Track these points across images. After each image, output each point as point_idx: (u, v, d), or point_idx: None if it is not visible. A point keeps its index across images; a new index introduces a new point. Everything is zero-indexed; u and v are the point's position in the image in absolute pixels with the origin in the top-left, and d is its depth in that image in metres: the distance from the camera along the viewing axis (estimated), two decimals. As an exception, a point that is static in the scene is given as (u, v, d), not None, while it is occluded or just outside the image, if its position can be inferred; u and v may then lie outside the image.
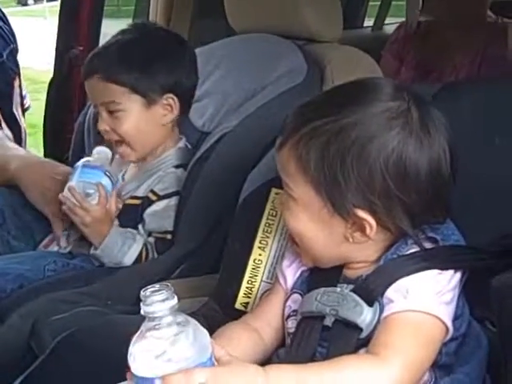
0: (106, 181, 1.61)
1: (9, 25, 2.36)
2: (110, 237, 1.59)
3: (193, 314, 1.34)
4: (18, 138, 2.26)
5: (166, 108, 1.67)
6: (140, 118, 1.65)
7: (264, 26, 1.79)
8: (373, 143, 0.96)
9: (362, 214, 0.98)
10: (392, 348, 0.93)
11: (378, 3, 3.73)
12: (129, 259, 1.60)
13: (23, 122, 2.35)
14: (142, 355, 0.83)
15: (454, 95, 1.26)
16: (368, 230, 0.99)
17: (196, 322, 0.87)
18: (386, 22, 3.72)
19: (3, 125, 2.20)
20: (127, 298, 1.37)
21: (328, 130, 0.97)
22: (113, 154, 1.72)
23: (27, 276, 1.54)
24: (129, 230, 1.64)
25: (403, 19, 3.42)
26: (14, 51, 2.33)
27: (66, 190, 1.59)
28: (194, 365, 0.83)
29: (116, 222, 1.64)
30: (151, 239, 1.64)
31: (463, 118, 1.18)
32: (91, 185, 1.59)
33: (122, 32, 1.71)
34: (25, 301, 1.43)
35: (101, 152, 1.67)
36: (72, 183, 1.59)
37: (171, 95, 1.67)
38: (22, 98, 2.38)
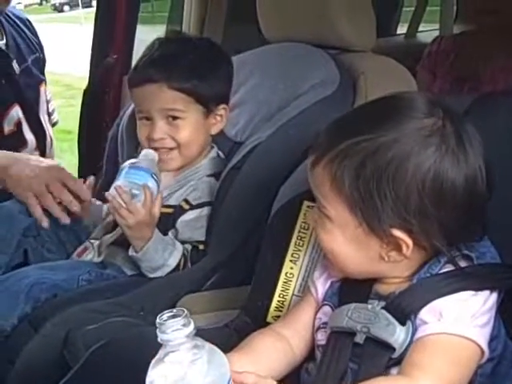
0: (152, 183, 1.59)
1: (37, 37, 2.36)
2: (153, 242, 1.57)
3: (224, 327, 1.36)
4: (43, 145, 2.23)
5: (217, 118, 1.71)
6: (197, 127, 1.67)
7: (296, 35, 1.78)
8: (409, 162, 0.95)
9: (398, 233, 0.97)
10: (424, 369, 0.92)
11: (412, 9, 3.70)
12: (168, 266, 1.60)
13: (50, 130, 2.32)
14: (159, 380, 0.83)
15: (488, 109, 1.24)
16: (404, 250, 0.98)
17: (213, 347, 0.87)
18: (420, 29, 3.68)
19: (26, 129, 2.15)
20: (160, 309, 1.37)
21: (364, 149, 0.96)
22: None
23: (61, 286, 1.55)
24: (169, 236, 1.64)
25: (437, 26, 3.40)
26: (40, 61, 2.33)
27: (112, 188, 1.57)
28: None
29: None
30: (188, 246, 1.64)
31: (498, 132, 1.16)
32: (138, 186, 1.57)
33: (166, 41, 1.73)
34: (58, 310, 1.44)
35: (148, 154, 1.65)
36: (119, 182, 1.58)
37: (224, 105, 1.71)
38: (49, 106, 2.36)
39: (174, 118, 1.65)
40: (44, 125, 2.26)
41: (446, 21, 3.31)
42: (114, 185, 1.58)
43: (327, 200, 1.00)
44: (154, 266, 1.59)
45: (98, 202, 1.84)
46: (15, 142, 2.07)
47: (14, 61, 2.16)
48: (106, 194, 1.59)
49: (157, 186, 1.61)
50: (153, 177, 1.60)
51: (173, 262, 1.59)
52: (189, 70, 1.65)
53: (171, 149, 1.68)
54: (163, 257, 1.59)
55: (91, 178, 1.79)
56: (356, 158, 0.96)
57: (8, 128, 2.10)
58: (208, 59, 1.71)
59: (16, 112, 2.12)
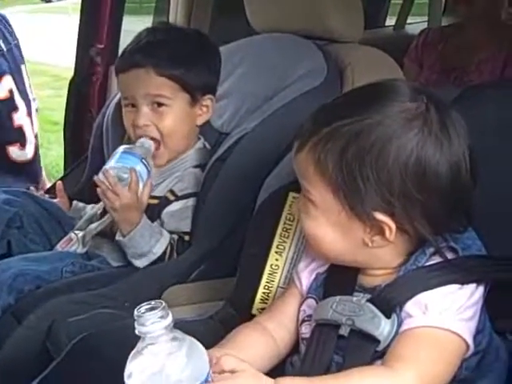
0: (141, 167, 1.59)
1: (12, 29, 2.48)
2: (140, 227, 1.56)
3: (209, 319, 1.35)
4: (31, 114, 2.41)
5: (203, 109, 1.69)
6: (182, 116, 1.66)
7: (284, 26, 1.77)
8: (391, 144, 0.95)
9: (380, 216, 0.96)
10: (407, 361, 0.91)
11: (400, 2, 3.69)
12: (154, 254, 1.58)
13: (33, 101, 2.47)
14: (138, 373, 0.83)
15: (476, 100, 1.23)
16: (387, 233, 0.97)
17: (193, 340, 0.86)
18: (409, 21, 3.67)
19: (18, 97, 2.35)
20: (145, 300, 1.36)
21: (346, 132, 0.96)
22: None
23: (45, 277, 1.54)
24: (156, 224, 1.63)
25: (426, 18, 3.40)
26: (18, 47, 2.45)
27: (100, 173, 1.58)
28: (191, 383, 0.83)
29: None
30: (175, 236, 1.63)
31: (485, 122, 1.16)
32: (125, 169, 1.57)
33: (154, 30, 1.72)
34: (42, 302, 1.43)
35: (144, 143, 1.64)
36: (107, 166, 1.58)
37: (211, 96, 1.70)
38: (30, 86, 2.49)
39: (159, 104, 1.63)
40: (30, 96, 2.42)
41: (435, 13, 3.31)
42: (102, 169, 1.59)
43: (311, 184, 0.99)
44: (140, 252, 1.58)
45: (80, 204, 1.85)
46: (9, 107, 2.32)
47: (1, 40, 2.35)
48: (95, 177, 1.59)
49: (147, 172, 1.60)
50: (142, 162, 1.60)
51: (159, 249, 1.58)
52: (177, 58, 1.64)
53: (155, 140, 1.66)
54: (149, 243, 1.57)
55: (58, 183, 1.87)
56: (339, 141, 0.96)
57: (2, 94, 2.31)
58: (196, 49, 1.70)
59: (8, 81, 2.33)
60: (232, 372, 0.88)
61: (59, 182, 1.93)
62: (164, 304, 0.83)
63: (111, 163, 1.59)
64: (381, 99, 0.98)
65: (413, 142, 0.95)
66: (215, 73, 1.72)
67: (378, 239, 0.99)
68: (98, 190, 1.58)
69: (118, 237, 1.60)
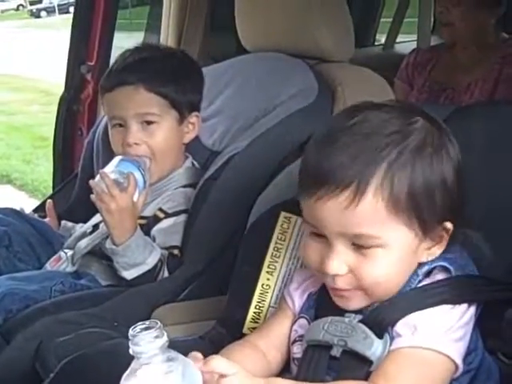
0: (138, 175, 1.58)
1: None
2: (136, 237, 1.55)
3: (199, 339, 1.34)
4: None
5: (189, 126, 1.70)
6: (171, 134, 1.66)
7: (275, 45, 1.78)
8: (444, 146, 0.98)
9: (449, 224, 0.99)
10: (389, 380, 0.91)
11: (390, 20, 3.72)
12: (146, 264, 1.56)
13: None
14: None
15: (467, 119, 1.24)
16: (446, 236, 1.00)
17: (186, 359, 0.85)
18: (398, 40, 3.70)
19: None
20: (134, 320, 1.34)
21: (406, 158, 0.94)
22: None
23: (34, 297, 1.52)
24: (147, 237, 1.61)
25: (415, 36, 3.43)
26: None
27: (97, 176, 1.57)
28: None
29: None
30: (164, 252, 1.61)
31: (474, 142, 1.17)
32: (123, 174, 1.56)
33: (137, 49, 1.72)
34: (30, 322, 1.41)
35: (142, 157, 1.64)
36: (105, 169, 1.58)
37: (197, 113, 1.70)
38: None
39: (149, 122, 1.63)
40: None
41: (423, 32, 3.33)
42: (100, 172, 1.58)
43: (382, 228, 0.94)
44: (132, 263, 1.56)
45: (69, 224, 1.84)
46: None
47: None
48: (90, 181, 1.58)
49: (143, 181, 1.60)
50: (140, 170, 1.60)
51: (151, 261, 1.56)
52: (164, 75, 1.65)
53: (146, 158, 1.65)
54: (143, 254, 1.56)
55: (48, 201, 1.85)
56: (404, 170, 0.94)
57: None
58: (181, 67, 1.71)
59: None
60: (222, 376, 0.87)
61: (49, 200, 1.92)
62: (159, 324, 0.82)
63: (108, 168, 1.59)
64: (387, 119, 0.98)
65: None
66: (199, 91, 1.73)
67: (435, 250, 1.00)
68: (92, 195, 1.56)
69: (109, 245, 1.57)
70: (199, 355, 0.89)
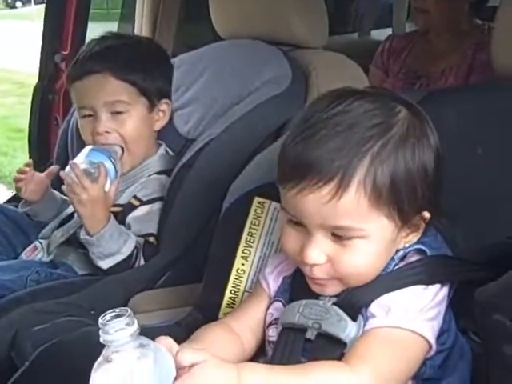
0: (108, 164, 1.58)
1: None
2: (109, 226, 1.54)
3: (175, 325, 1.35)
4: None
5: (159, 114, 1.70)
6: (142, 122, 1.66)
7: (249, 32, 1.78)
8: (424, 138, 0.98)
9: (427, 214, 1.00)
10: (364, 358, 0.92)
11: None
12: (122, 254, 1.56)
13: None
14: (103, 382, 0.81)
15: (438, 103, 1.25)
16: (423, 224, 1.01)
17: (158, 345, 0.84)
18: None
19: None
20: (111, 308, 1.35)
21: (388, 151, 0.94)
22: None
23: (9, 286, 1.52)
24: (122, 228, 1.61)
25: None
26: None
27: (67, 167, 1.56)
28: None
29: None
30: (141, 240, 1.61)
31: (446, 126, 1.18)
32: (93, 164, 1.55)
33: (104, 38, 1.71)
34: (6, 311, 1.41)
35: (112, 146, 1.64)
36: (75, 160, 1.57)
37: (167, 100, 1.70)
38: None
39: (119, 112, 1.63)
40: None
41: (399, 19, 3.35)
42: (70, 163, 1.57)
43: (363, 220, 0.94)
44: (107, 253, 1.56)
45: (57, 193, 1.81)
46: None
47: None
48: (61, 172, 1.57)
49: (114, 171, 1.59)
50: (110, 159, 1.59)
51: (127, 250, 1.56)
52: (132, 62, 1.65)
53: (117, 146, 1.65)
54: (118, 243, 1.55)
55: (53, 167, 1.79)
56: (386, 162, 0.94)
57: None
58: (149, 54, 1.71)
59: None
60: (192, 365, 0.85)
61: (54, 166, 1.84)
62: (129, 311, 0.82)
63: (79, 158, 1.58)
64: (371, 109, 0.97)
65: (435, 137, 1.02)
66: (168, 79, 1.74)
67: (411, 238, 1.01)
68: (64, 186, 1.55)
69: (83, 235, 1.56)
70: (172, 344, 0.87)
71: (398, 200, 0.95)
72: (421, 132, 0.98)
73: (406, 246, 1.01)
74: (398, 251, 1.01)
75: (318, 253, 0.96)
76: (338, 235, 0.96)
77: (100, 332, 0.81)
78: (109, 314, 0.82)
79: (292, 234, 0.99)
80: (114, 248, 1.55)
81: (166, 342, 0.87)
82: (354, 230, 0.95)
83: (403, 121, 0.97)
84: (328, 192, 0.93)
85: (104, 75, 1.62)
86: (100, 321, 0.81)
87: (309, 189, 0.93)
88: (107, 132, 1.63)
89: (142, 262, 1.60)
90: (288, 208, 0.98)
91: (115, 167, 1.60)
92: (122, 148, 1.66)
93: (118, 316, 0.81)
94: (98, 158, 1.58)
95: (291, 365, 0.98)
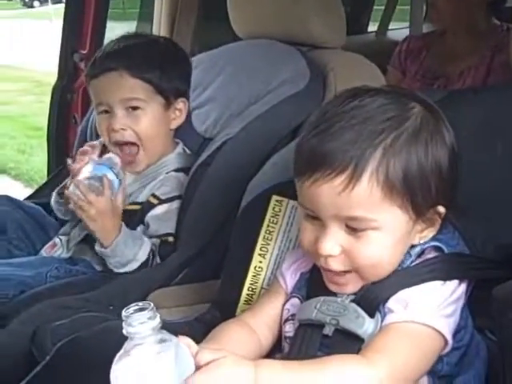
0: (111, 175, 1.60)
1: None
2: (122, 236, 1.56)
3: (194, 321, 1.36)
4: None
5: (176, 113, 1.71)
6: (157, 120, 1.67)
7: (267, 32, 1.79)
8: (438, 132, 0.99)
9: (441, 208, 1.00)
10: (381, 352, 0.93)
11: (382, 8, 3.73)
12: (137, 260, 1.58)
13: None
14: (125, 374, 0.83)
15: (458, 103, 1.26)
16: (438, 219, 1.01)
17: (178, 341, 0.86)
18: (391, 27, 3.71)
19: None
20: (129, 303, 1.37)
21: (401, 143, 0.95)
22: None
23: (29, 282, 1.54)
24: (138, 230, 1.63)
25: (407, 24, 3.44)
26: None
27: (71, 186, 1.58)
28: (178, 383, 0.83)
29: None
30: (155, 241, 1.63)
31: (466, 126, 1.18)
32: (96, 178, 1.57)
33: (124, 38, 1.73)
34: (26, 306, 1.43)
35: (111, 157, 1.66)
36: (77, 178, 1.59)
37: (183, 99, 1.71)
38: None
39: (134, 108, 1.64)
40: None
41: (416, 19, 3.34)
42: (73, 181, 1.59)
43: (376, 211, 0.95)
44: (124, 261, 1.58)
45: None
46: None
47: None
48: (66, 192, 1.59)
49: (118, 181, 1.61)
50: (112, 170, 1.61)
51: (142, 256, 1.58)
52: (149, 61, 1.66)
53: (132, 145, 1.67)
54: (133, 251, 1.57)
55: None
56: (399, 154, 0.95)
57: None
58: (167, 54, 1.72)
59: None
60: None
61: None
62: (152, 305, 0.84)
63: (82, 175, 1.60)
64: (384, 104, 0.98)
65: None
66: (186, 78, 1.74)
67: (427, 233, 1.01)
68: (71, 205, 1.58)
69: (98, 248, 1.59)
70: (191, 343, 0.89)
71: (412, 192, 0.96)
72: (435, 128, 0.99)
73: (421, 241, 1.01)
74: (414, 247, 1.02)
75: (333, 244, 0.98)
76: (352, 227, 0.97)
77: (123, 324, 0.83)
78: (132, 307, 0.83)
79: (308, 228, 1.01)
80: (130, 255, 1.57)
81: (186, 341, 0.89)
82: (368, 220, 0.96)
83: (417, 115, 0.98)
84: (341, 182, 0.94)
85: (120, 73, 1.63)
86: (123, 313, 0.83)
87: (322, 179, 0.95)
88: (122, 129, 1.65)
89: (158, 261, 1.62)
90: (304, 202, 1.00)
91: (117, 176, 1.62)
92: (137, 145, 1.67)
93: (141, 309, 0.83)
94: (100, 170, 1.60)
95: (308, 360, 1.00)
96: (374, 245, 0.97)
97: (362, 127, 0.95)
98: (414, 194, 0.96)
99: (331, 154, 0.95)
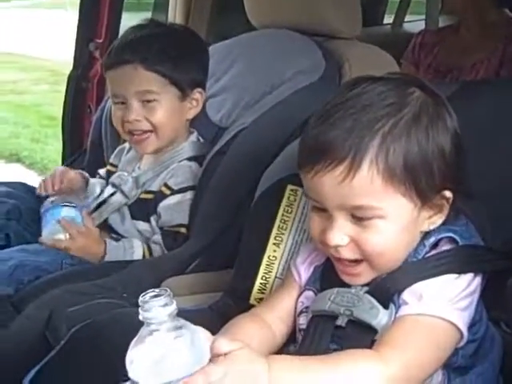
0: (67, 213, 1.65)
1: None
2: (110, 253, 1.62)
3: (208, 309, 1.37)
4: None
5: (193, 103, 1.71)
6: (173, 111, 1.68)
7: (283, 22, 1.79)
8: (440, 119, 0.98)
9: (448, 193, 0.99)
10: (394, 346, 0.93)
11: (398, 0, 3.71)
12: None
13: None
14: (140, 359, 0.83)
15: (472, 95, 1.25)
16: (446, 205, 1.00)
17: (194, 327, 0.86)
18: (406, 19, 3.69)
19: None
20: (143, 291, 1.38)
21: (399, 130, 0.95)
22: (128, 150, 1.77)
23: (45, 268, 1.55)
24: (123, 239, 1.67)
25: (423, 16, 3.42)
26: None
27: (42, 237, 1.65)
28: (193, 370, 0.83)
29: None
30: (157, 237, 1.65)
31: (479, 117, 1.18)
32: (55, 226, 1.63)
33: (141, 27, 1.73)
34: (41, 292, 1.44)
35: (57, 196, 1.71)
36: (41, 238, 1.65)
37: (200, 89, 1.71)
38: None
39: (149, 101, 1.65)
40: None
41: (432, 12, 3.32)
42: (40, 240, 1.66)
43: (379, 198, 0.95)
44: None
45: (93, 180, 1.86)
46: None
47: None
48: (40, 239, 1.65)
49: (74, 210, 1.66)
50: (64, 206, 1.66)
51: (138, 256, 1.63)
52: (164, 52, 1.66)
53: (147, 131, 1.67)
54: (126, 257, 1.62)
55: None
56: (398, 141, 0.95)
57: None
58: (183, 44, 1.72)
59: None
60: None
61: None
62: (169, 291, 0.84)
63: (43, 232, 1.66)
64: (384, 91, 0.98)
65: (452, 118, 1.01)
66: (203, 68, 1.74)
67: (436, 219, 1.00)
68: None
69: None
70: (209, 334, 0.90)
71: (414, 178, 0.96)
72: (435, 112, 0.98)
73: (431, 227, 1.01)
74: (429, 237, 1.01)
75: (340, 235, 0.98)
76: (358, 216, 0.97)
77: (140, 309, 0.83)
78: (149, 293, 0.84)
79: (316, 220, 1.01)
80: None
81: (205, 334, 0.89)
82: (372, 209, 0.96)
83: (416, 100, 0.98)
84: (341, 172, 0.94)
85: (135, 66, 1.64)
86: (140, 299, 0.83)
87: (323, 170, 0.95)
88: (137, 120, 1.66)
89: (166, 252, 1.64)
90: (309, 193, 1.00)
91: (73, 207, 1.67)
92: (151, 131, 1.68)
93: (157, 295, 0.83)
94: (53, 216, 1.65)
95: (320, 352, 1.00)
96: (380, 233, 0.97)
97: (361, 115, 0.95)
98: (416, 180, 0.96)
99: (330, 144, 0.95)
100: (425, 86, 1.01)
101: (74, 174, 1.80)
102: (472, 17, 2.51)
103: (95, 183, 1.84)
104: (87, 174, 1.85)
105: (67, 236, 1.62)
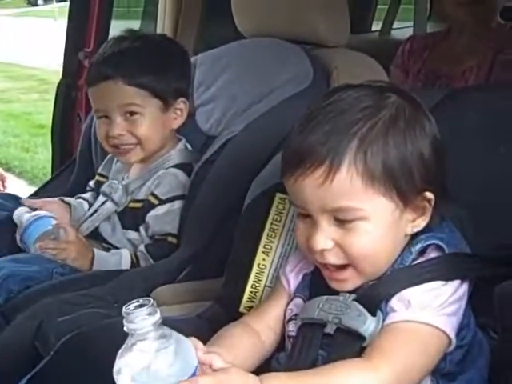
0: (43, 225, 1.65)
1: None
2: (98, 263, 1.62)
3: (197, 318, 1.37)
4: None
5: (177, 112, 1.71)
6: (156, 122, 1.68)
7: (271, 30, 1.79)
8: (418, 119, 1.00)
9: (429, 194, 0.99)
10: (385, 354, 0.94)
11: (386, 7, 3.73)
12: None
13: None
14: (127, 369, 0.84)
15: (460, 101, 1.26)
16: (428, 211, 1.01)
17: (180, 336, 0.87)
18: (395, 26, 3.71)
19: None
20: (133, 300, 1.38)
21: (377, 131, 0.96)
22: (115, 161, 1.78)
23: (35, 278, 1.55)
24: (112, 250, 1.67)
25: (411, 23, 3.44)
26: None
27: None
28: (180, 378, 0.84)
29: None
30: (142, 247, 1.65)
31: (468, 124, 1.18)
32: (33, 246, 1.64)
33: (120, 39, 1.73)
34: (31, 302, 1.44)
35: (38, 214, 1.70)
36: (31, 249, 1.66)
37: (183, 99, 1.71)
38: None
39: (132, 113, 1.65)
40: None
41: (420, 19, 3.34)
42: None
43: (360, 199, 0.96)
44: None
45: (79, 200, 1.85)
46: None
47: None
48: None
49: (50, 222, 1.66)
50: (39, 220, 1.66)
51: (125, 265, 1.63)
52: (142, 66, 1.66)
53: (131, 144, 1.68)
54: (114, 264, 1.62)
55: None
56: (376, 143, 0.96)
57: None
58: (164, 55, 1.72)
59: None
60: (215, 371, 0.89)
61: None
62: (152, 301, 0.85)
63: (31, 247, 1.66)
64: (361, 96, 0.99)
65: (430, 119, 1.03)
66: (185, 77, 1.75)
67: (419, 222, 1.01)
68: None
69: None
70: (200, 344, 0.92)
71: (393, 180, 0.97)
72: (412, 116, 1.00)
73: (415, 230, 1.01)
74: (415, 244, 1.01)
75: (324, 239, 0.99)
76: (341, 219, 0.98)
77: (124, 321, 0.83)
78: (132, 304, 0.84)
79: (301, 226, 1.03)
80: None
81: (193, 342, 0.91)
82: (353, 210, 0.97)
83: (393, 104, 0.99)
84: (320, 175, 0.96)
85: (115, 81, 1.64)
86: (124, 310, 0.84)
87: (303, 175, 0.97)
88: (121, 135, 1.66)
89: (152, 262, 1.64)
90: (293, 199, 1.02)
91: (48, 219, 1.67)
92: (136, 144, 1.69)
93: (141, 305, 0.84)
94: (29, 239, 1.65)
95: (310, 359, 1.00)
96: (364, 235, 0.98)
97: (338, 119, 0.97)
98: (395, 181, 0.97)
99: (309, 148, 0.97)
100: (402, 91, 1.03)
101: (55, 206, 1.81)
102: (464, 24, 2.52)
103: (81, 202, 1.84)
104: (68, 198, 1.85)
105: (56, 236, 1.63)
